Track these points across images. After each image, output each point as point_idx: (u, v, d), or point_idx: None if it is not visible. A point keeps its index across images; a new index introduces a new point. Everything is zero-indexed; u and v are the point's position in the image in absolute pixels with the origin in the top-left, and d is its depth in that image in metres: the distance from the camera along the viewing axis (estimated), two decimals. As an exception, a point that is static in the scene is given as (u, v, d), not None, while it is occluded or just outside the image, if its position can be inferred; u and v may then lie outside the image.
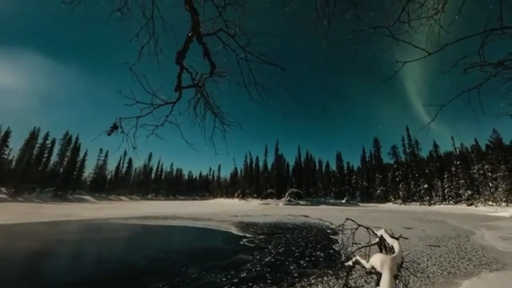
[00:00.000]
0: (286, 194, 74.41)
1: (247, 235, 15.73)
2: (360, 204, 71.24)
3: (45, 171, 62.37)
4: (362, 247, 5.44)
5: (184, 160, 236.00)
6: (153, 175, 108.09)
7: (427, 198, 61.77)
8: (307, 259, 9.89)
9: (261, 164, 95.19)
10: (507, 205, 43.72)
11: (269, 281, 7.41)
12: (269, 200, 74.84)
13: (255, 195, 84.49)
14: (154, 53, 4.35)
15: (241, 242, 13.30)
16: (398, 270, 3.80)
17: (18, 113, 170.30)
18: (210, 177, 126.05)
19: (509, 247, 12.05)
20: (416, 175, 67.59)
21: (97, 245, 12.75)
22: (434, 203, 58.59)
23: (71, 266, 9.14)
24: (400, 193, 68.98)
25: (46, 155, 64.22)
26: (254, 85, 4.77)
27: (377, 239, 5.49)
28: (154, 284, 7.08)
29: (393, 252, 4.50)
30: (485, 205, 47.25)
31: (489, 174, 50.99)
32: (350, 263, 4.89)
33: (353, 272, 6.58)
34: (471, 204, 50.16)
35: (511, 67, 3.33)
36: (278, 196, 77.64)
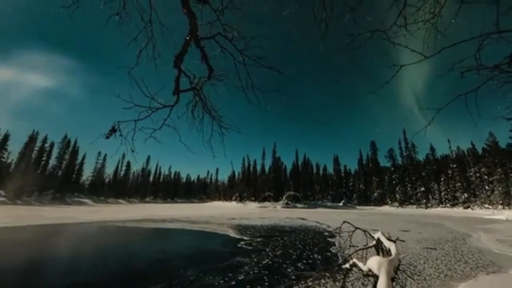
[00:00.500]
0: (284, 197, 74.50)
1: (245, 237, 15.68)
2: (357, 207, 71.35)
3: (44, 174, 62.42)
4: (359, 249, 5.45)
5: (182, 163, 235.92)
6: (151, 178, 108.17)
7: (424, 201, 61.94)
8: (304, 261, 9.89)
9: (258, 167, 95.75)
10: (504, 208, 43.95)
11: (266, 283, 7.40)
12: (266, 203, 74.86)
13: (253, 198, 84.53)
14: (152, 56, 4.36)
15: (239, 245, 13.27)
16: (395, 273, 3.82)
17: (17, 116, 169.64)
18: (208, 180, 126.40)
19: (505, 250, 12.10)
20: (413, 178, 67.81)
21: (95, 248, 12.65)
22: (431, 206, 58.75)
23: (69, 269, 9.08)
24: (397, 196, 69.13)
25: (44, 158, 64.35)
26: (251, 88, 4.78)
27: (374, 242, 5.51)
28: (152, 286, 7.06)
29: (390, 255, 4.51)
30: (481, 208, 47.49)
31: (486, 177, 51.23)
32: (347, 265, 4.90)
33: (350, 274, 6.59)
34: (468, 207, 50.38)
35: (508, 70, 3.34)
36: (276, 199, 77.74)
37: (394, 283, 3.55)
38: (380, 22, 3.39)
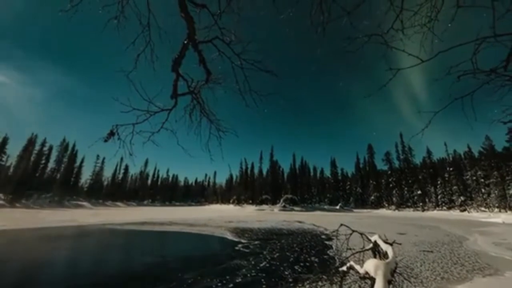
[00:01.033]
0: (281, 200, 74.49)
1: (242, 240, 15.67)
2: (354, 210, 71.41)
3: (43, 177, 62.57)
4: (356, 252, 5.47)
5: (180, 167, 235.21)
6: (149, 181, 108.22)
7: (421, 204, 62.08)
8: (301, 264, 9.89)
9: (256, 171, 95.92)
10: (500, 211, 44.15)
11: (264, 286, 7.40)
12: (264, 206, 74.95)
13: (250, 201, 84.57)
14: (150, 60, 4.35)
15: (236, 248, 13.25)
16: (391, 275, 3.83)
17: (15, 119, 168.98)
18: (206, 183, 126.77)
19: (501, 253, 12.16)
20: (410, 181, 67.95)
21: (94, 251, 12.69)
22: (428, 209, 58.89)
23: (68, 272, 9.10)
24: (394, 199, 69.25)
25: (43, 161, 64.47)
26: (249, 92, 4.80)
27: (371, 245, 5.52)
28: (149, 289, 7.06)
29: (387, 258, 4.52)
30: (478, 211, 47.63)
31: (482, 180, 51.47)
32: (344, 268, 4.91)
33: (347, 277, 6.59)
34: (464, 210, 50.52)
35: (504, 74, 3.35)
36: (273, 202, 77.74)
37: (391, 286, 3.56)
38: (377, 26, 3.40)
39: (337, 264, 9.63)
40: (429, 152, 70.46)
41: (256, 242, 14.99)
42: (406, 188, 67.95)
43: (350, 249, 7.61)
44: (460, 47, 3.17)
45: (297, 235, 18.58)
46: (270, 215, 49.38)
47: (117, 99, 4.10)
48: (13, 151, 66.79)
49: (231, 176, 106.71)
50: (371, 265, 3.89)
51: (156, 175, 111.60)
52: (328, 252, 12.46)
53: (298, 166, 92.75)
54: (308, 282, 7.53)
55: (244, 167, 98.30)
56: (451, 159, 65.06)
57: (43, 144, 64.45)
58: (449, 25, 3.28)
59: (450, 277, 8.17)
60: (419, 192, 63.77)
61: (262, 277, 8.24)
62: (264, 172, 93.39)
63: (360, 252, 5.40)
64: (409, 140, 75.71)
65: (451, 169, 59.34)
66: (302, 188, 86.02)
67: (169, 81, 4.32)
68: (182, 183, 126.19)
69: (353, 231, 6.14)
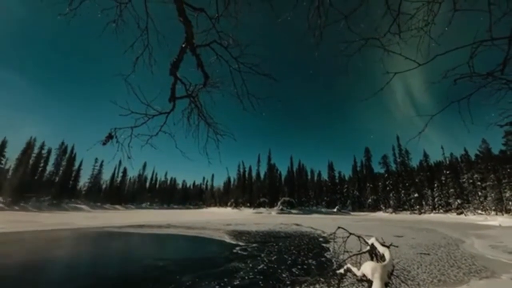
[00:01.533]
0: (279, 203, 74.57)
1: (240, 243, 15.64)
2: (352, 213, 71.63)
3: (41, 180, 62.55)
4: (354, 255, 5.48)
5: (178, 170, 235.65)
6: (147, 184, 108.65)
7: (418, 207, 62.22)
8: (299, 267, 9.88)
9: (254, 174, 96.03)
10: (496, 214, 44.30)
11: (261, 289, 7.39)
12: (261, 209, 74.92)
13: (248, 204, 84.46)
14: (148, 64, 4.39)
15: (234, 250, 13.23)
16: (389, 278, 3.85)
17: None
18: (204, 186, 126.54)
19: (498, 255, 12.19)
20: (407, 184, 68.13)
21: (92, 253, 12.63)
22: (425, 212, 59.03)
23: (65, 274, 9.08)
24: (391, 202, 69.40)
25: (42, 164, 64.45)
26: (247, 95, 4.83)
27: (368, 247, 5.54)
28: (147, 292, 7.04)
29: (384, 260, 4.54)
30: (474, 214, 47.79)
31: (479, 183, 51.64)
32: (341, 271, 4.93)
33: (345, 280, 6.61)
34: (461, 213, 50.68)
35: (500, 77, 3.37)
36: (271, 205, 77.75)
37: (388, 288, 3.58)
38: (374, 30, 3.43)
39: (335, 266, 9.64)
40: (426, 155, 70.74)
41: (254, 245, 14.97)
42: (403, 191, 68.09)
43: (347, 251, 7.63)
44: (457, 51, 3.18)
45: (295, 238, 18.57)
46: (268, 218, 49.33)
47: (115, 103, 4.11)
48: (12, 154, 66.75)
49: (229, 179, 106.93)
50: (368, 268, 3.91)
51: (154, 178, 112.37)
52: (325, 254, 12.45)
53: (295, 169, 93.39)
54: (305, 284, 7.53)
55: (242, 170, 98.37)
56: (447, 162, 65.39)
57: (41, 147, 64.52)
58: (446, 28, 3.29)
59: (447, 280, 8.19)
60: (416, 195, 63.90)
61: (260, 279, 8.24)
62: (262, 175, 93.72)
63: (357, 254, 5.41)
64: (406, 143, 75.53)
65: (448, 172, 59.52)
66: (299, 191, 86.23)
67: (167, 85, 4.35)
68: (180, 186, 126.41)
69: (350, 233, 6.16)
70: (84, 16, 3.65)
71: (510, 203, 43.95)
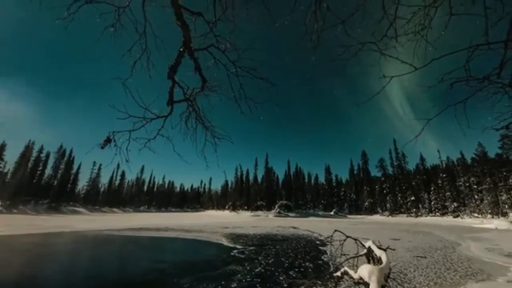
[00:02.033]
0: (276, 206, 74.48)
1: (238, 246, 15.63)
2: (349, 216, 71.69)
3: (40, 183, 62.54)
4: (350, 258, 5.50)
5: (176, 173, 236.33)
6: (145, 188, 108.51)
7: (414, 210, 62.36)
8: (296, 269, 9.89)
9: (251, 177, 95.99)
10: (492, 217, 44.47)
11: (258, 292, 7.39)
12: (259, 212, 74.90)
13: (246, 207, 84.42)
14: (146, 68, 4.40)
15: (232, 253, 13.22)
16: (385, 281, 3.87)
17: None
18: (202, 189, 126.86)
19: (494, 258, 12.25)
20: (403, 187, 68.28)
21: (91, 256, 12.65)
22: (421, 215, 59.19)
23: (63, 277, 9.10)
24: (388, 205, 69.58)
25: (40, 168, 64.37)
26: (244, 99, 4.83)
27: (365, 250, 5.56)
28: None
29: (381, 263, 4.56)
30: (470, 217, 47.95)
31: (475, 186, 51.90)
32: (338, 273, 4.94)
33: (342, 282, 6.62)
34: (457, 216, 50.86)
35: (497, 81, 3.38)
36: (268, 208, 77.64)
37: (384, 290, 3.60)
38: (371, 34, 3.44)
39: (332, 269, 9.63)
40: (422, 159, 71.13)
41: (251, 248, 14.96)
42: (399, 194, 68.26)
43: (344, 254, 7.64)
44: (453, 55, 3.18)
45: (292, 241, 18.57)
46: (265, 221, 49.27)
47: (113, 106, 4.12)
48: (11, 157, 66.46)
49: (226, 182, 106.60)
50: (365, 271, 3.92)
51: (152, 182, 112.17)
52: (322, 257, 12.46)
53: (292, 172, 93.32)
54: (303, 287, 7.53)
55: (239, 174, 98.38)
56: (444, 165, 65.66)
57: (40, 151, 64.52)
58: (442, 32, 3.30)
59: (443, 283, 8.22)
60: (412, 198, 64.09)
61: (257, 282, 8.23)
62: (259, 179, 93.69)
63: (354, 257, 5.43)
64: (403, 147, 75.84)
65: (444, 175, 59.77)
66: (296, 195, 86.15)
67: (165, 88, 4.34)
68: (178, 189, 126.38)
69: (347, 237, 6.18)
70: (82, 21, 3.66)
71: (506, 206, 44.22)
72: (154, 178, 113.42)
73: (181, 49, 3.99)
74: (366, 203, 76.99)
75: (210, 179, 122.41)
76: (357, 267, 4.32)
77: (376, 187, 77.56)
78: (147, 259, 12.17)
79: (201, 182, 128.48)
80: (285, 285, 7.96)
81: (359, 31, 3.44)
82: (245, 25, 4.19)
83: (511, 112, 3.64)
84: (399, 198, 67.86)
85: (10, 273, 9.23)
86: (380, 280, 3.64)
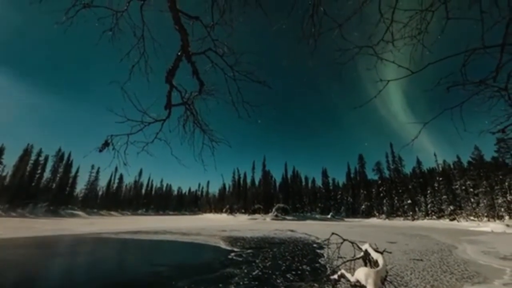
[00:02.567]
0: (273, 209, 74.44)
1: (235, 249, 15.59)
2: (345, 219, 71.69)
3: (38, 187, 62.18)
4: (347, 261, 5.52)
5: (174, 176, 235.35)
6: (143, 191, 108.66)
7: (411, 213, 62.44)
8: (293, 272, 9.86)
9: (248, 180, 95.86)
10: (489, 220, 44.66)
11: (255, 295, 7.37)
12: (256, 215, 74.74)
13: (243, 211, 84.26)
14: (144, 71, 4.42)
15: (229, 256, 13.18)
16: (382, 284, 3.88)
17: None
18: (199, 192, 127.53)
19: (490, 261, 12.29)
20: (400, 190, 68.45)
21: (89, 259, 12.53)
22: (418, 218, 59.25)
23: (62, 280, 9.12)
24: (384, 208, 69.61)
25: (39, 171, 63.91)
26: (242, 103, 4.87)
27: (361, 253, 5.58)
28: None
29: (378, 266, 4.58)
30: (467, 220, 48.10)
31: (471, 189, 52.12)
32: (335, 276, 4.96)
33: (339, 285, 6.62)
34: (454, 219, 50.98)
35: (493, 85, 3.42)
36: (266, 211, 77.54)
37: (381, 293, 3.61)
38: (368, 38, 3.47)
39: (329, 272, 9.64)
40: (419, 162, 71.35)
41: (249, 251, 14.93)
42: (396, 198, 68.39)
43: (341, 257, 7.64)
44: (450, 58, 3.21)
45: (289, 244, 18.54)
46: (263, 224, 49.23)
47: (111, 110, 4.13)
48: (10, 160, 66.01)
49: (224, 185, 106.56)
50: (362, 273, 3.94)
51: (150, 185, 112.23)
52: (319, 260, 12.45)
53: (290, 175, 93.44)
54: (299, 290, 7.53)
55: (236, 177, 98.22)
56: (440, 169, 65.98)
57: (39, 154, 64.16)
58: (439, 36, 3.34)
59: (439, 285, 8.23)
60: (409, 201, 64.19)
61: (255, 285, 8.21)
62: (257, 182, 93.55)
63: (351, 260, 5.45)
64: (399, 150, 76.59)
65: (440, 179, 59.99)
66: (294, 198, 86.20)
67: (163, 92, 4.37)
68: (175, 193, 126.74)
69: (344, 240, 6.20)
70: (80, 25, 3.67)
71: (502, 209, 44.43)
72: (152, 181, 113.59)
73: (179, 53, 4.02)
74: (363, 206, 77.01)
75: (208, 182, 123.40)
76: (354, 270, 4.34)
77: (373, 190, 77.63)
78: (145, 262, 12.17)
79: (199, 185, 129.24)
80: (282, 288, 7.95)
81: (355, 35, 3.47)
82: (242, 29, 4.22)
83: (507, 116, 3.67)
84: (396, 201, 67.96)
85: (10, 276, 9.19)
86: (376, 283, 3.66)
